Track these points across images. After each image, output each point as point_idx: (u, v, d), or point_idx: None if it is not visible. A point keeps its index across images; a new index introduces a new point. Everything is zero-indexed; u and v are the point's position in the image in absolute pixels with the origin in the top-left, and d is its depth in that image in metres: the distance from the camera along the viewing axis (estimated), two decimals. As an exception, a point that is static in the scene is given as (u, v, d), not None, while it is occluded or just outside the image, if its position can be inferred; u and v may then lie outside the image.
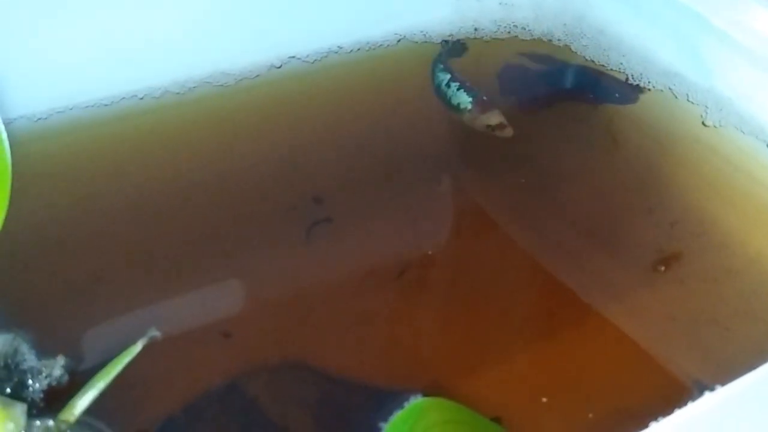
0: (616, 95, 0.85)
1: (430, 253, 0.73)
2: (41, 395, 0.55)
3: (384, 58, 0.88)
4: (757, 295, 0.68)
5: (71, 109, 0.76)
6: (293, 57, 0.85)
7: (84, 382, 0.54)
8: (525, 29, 0.92)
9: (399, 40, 0.89)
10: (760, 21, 0.73)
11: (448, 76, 0.83)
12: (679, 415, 0.44)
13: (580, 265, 0.71)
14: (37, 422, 0.52)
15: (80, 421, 0.53)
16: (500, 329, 0.66)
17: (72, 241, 0.69)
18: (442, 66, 0.85)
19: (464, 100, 0.81)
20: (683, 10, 0.78)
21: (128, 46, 0.77)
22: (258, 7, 0.82)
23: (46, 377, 0.55)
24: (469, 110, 0.80)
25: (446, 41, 0.89)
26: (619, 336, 0.65)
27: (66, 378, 0.56)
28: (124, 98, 0.78)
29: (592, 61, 0.88)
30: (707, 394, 0.45)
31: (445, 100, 0.82)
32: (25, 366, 0.55)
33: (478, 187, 0.81)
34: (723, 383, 0.46)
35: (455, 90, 0.81)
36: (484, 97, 0.81)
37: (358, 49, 0.87)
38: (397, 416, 0.55)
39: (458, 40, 0.90)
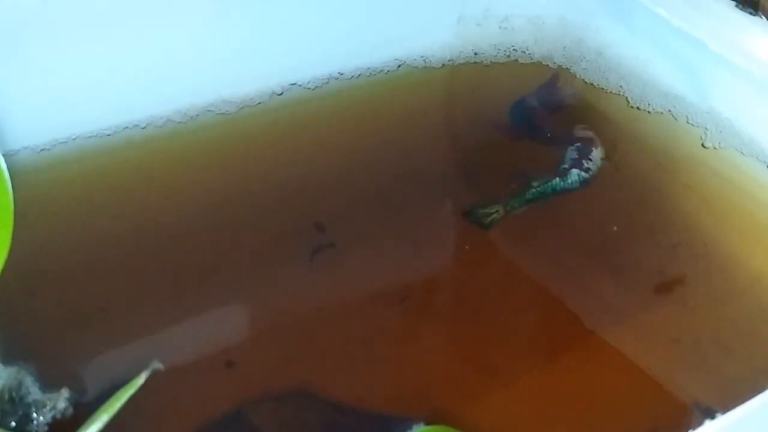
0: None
1: (432, 277, 0.73)
2: (46, 428, 0.55)
3: (385, 84, 0.88)
4: (760, 315, 0.68)
5: (74, 139, 0.76)
6: (294, 84, 0.85)
7: (88, 414, 0.54)
8: (525, 53, 0.92)
9: (399, 66, 0.89)
10: (758, 44, 0.74)
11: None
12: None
13: (583, 287, 0.72)
14: (42, 456, 0.52)
15: (85, 454, 0.53)
16: (503, 354, 0.66)
17: (76, 272, 0.69)
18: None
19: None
20: (680, 35, 0.78)
21: (130, 76, 0.77)
22: (258, 34, 0.82)
23: (50, 410, 0.55)
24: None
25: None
26: (622, 358, 0.65)
27: (70, 410, 0.56)
28: (126, 128, 0.78)
29: (592, 84, 0.88)
30: (708, 423, 0.45)
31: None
32: (29, 399, 0.55)
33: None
34: (726, 405, 0.46)
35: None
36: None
37: (359, 75, 0.87)
38: (400, 444, 0.55)
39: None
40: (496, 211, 0.76)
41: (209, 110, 0.82)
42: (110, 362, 0.62)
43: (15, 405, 0.55)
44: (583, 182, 0.78)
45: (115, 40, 0.76)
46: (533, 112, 0.86)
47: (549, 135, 0.84)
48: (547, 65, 0.91)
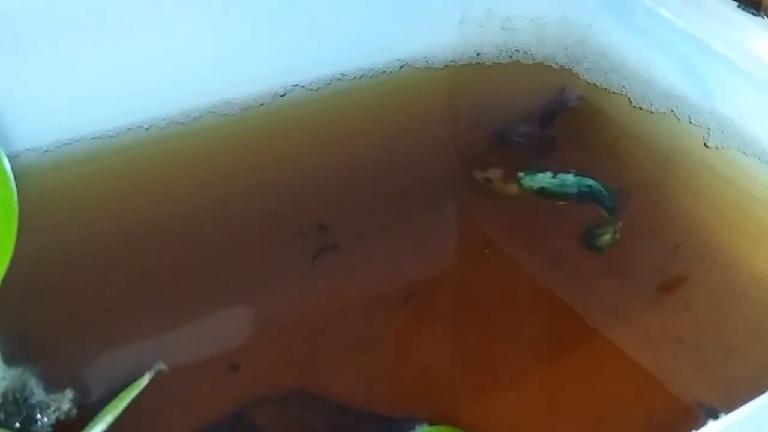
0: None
1: (435, 278, 0.73)
2: (50, 429, 0.55)
3: (387, 85, 0.88)
4: (763, 315, 0.68)
5: (77, 140, 0.77)
6: (297, 85, 0.85)
7: (92, 415, 0.54)
8: (527, 53, 0.92)
9: (402, 67, 0.89)
10: (760, 44, 0.74)
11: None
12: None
13: (586, 288, 0.72)
14: (46, 457, 0.53)
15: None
16: (506, 355, 0.66)
17: (80, 273, 0.69)
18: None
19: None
20: (683, 35, 0.78)
21: (133, 78, 0.77)
22: (261, 35, 0.82)
23: (54, 411, 0.55)
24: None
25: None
26: (625, 359, 0.65)
27: (74, 412, 0.56)
28: (129, 129, 0.79)
29: (594, 84, 0.88)
30: (711, 423, 0.45)
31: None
32: (33, 400, 0.55)
33: (483, 211, 0.81)
34: (728, 405, 0.46)
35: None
36: None
37: (361, 76, 0.87)
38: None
39: None
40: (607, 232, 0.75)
41: (212, 111, 0.82)
42: (114, 363, 0.62)
43: (19, 406, 0.55)
44: None
45: (118, 41, 0.76)
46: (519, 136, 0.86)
47: (520, 140, 0.84)
48: (550, 66, 0.91)
